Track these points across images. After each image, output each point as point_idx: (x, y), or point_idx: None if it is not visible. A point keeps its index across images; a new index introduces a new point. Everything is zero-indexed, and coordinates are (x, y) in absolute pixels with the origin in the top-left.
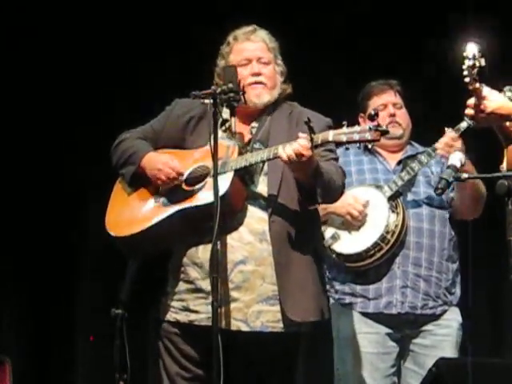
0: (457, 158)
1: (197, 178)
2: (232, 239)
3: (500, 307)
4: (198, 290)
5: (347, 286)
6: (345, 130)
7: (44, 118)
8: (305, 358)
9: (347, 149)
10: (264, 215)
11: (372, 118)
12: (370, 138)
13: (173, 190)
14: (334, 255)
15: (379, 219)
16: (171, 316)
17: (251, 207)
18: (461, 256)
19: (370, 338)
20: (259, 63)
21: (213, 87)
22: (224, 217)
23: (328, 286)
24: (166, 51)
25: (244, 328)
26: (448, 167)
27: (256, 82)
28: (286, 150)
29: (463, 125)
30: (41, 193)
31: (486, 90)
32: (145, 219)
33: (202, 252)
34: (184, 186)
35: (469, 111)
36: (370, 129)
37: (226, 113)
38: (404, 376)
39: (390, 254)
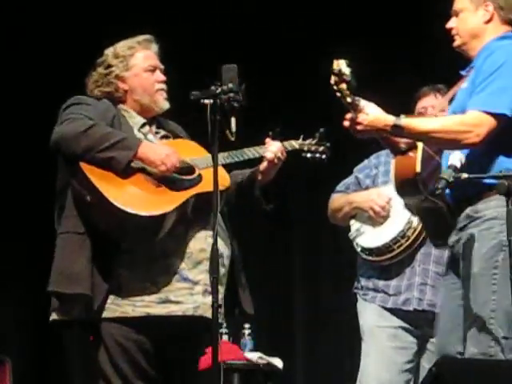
0: (457, 157)
1: (184, 169)
2: (218, 232)
3: None
4: (184, 280)
5: (371, 281)
6: (305, 141)
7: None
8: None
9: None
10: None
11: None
12: (318, 154)
13: (167, 178)
14: (358, 249)
15: (401, 216)
16: (136, 311)
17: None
18: None
19: (388, 332)
20: (161, 72)
21: (212, 87)
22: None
23: (356, 283)
24: None
25: (220, 320)
26: (448, 167)
27: (163, 89)
28: (272, 150)
29: None
30: (42, 193)
31: (363, 103)
32: (166, 202)
33: (192, 241)
34: (179, 176)
35: (346, 123)
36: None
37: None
38: (421, 374)
39: (412, 251)
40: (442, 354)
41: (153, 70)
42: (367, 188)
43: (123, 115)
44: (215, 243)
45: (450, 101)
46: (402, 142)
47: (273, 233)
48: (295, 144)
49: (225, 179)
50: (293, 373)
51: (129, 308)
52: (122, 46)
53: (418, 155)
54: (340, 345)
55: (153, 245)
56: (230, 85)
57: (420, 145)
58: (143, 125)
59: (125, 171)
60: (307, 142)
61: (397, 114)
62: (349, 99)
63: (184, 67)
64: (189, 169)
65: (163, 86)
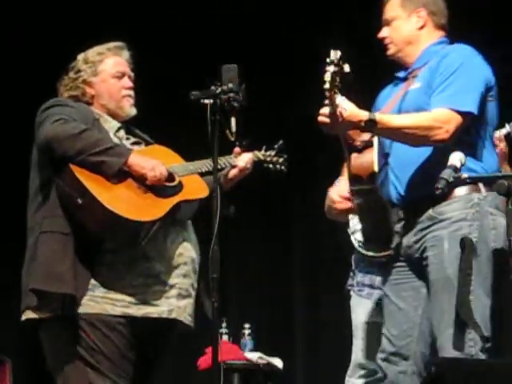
0: (457, 157)
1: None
2: (189, 237)
3: (500, 307)
4: (161, 283)
5: (368, 277)
6: (265, 153)
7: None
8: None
9: None
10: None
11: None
12: (278, 166)
13: (154, 185)
14: (356, 244)
15: None
16: (114, 310)
17: None
18: None
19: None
20: (130, 79)
21: (212, 87)
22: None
23: (350, 280)
24: None
25: (191, 323)
26: (448, 167)
27: (129, 96)
28: (244, 160)
29: (503, 131)
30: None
31: (339, 98)
32: (154, 208)
33: (170, 246)
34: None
35: (323, 119)
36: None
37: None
38: None
39: None
40: (398, 352)
41: (120, 76)
42: None
43: (98, 119)
44: (215, 244)
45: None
46: (359, 140)
47: (273, 232)
48: (260, 155)
49: (204, 188)
50: (293, 373)
51: (108, 306)
52: (92, 52)
53: (374, 154)
54: (340, 345)
55: (135, 247)
56: (230, 85)
57: (375, 144)
58: (118, 129)
59: (115, 176)
60: (268, 153)
61: (369, 110)
62: (333, 92)
63: (184, 67)
64: (169, 176)
65: (130, 92)
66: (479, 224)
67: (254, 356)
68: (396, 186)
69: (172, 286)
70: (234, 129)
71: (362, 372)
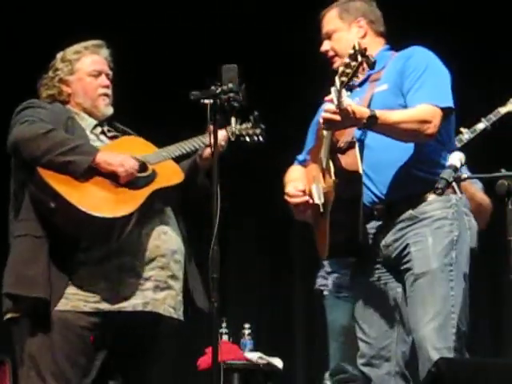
0: (457, 157)
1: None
2: (169, 229)
3: (500, 307)
4: (136, 277)
5: (345, 279)
6: (237, 126)
7: None
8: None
9: None
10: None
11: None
12: (251, 137)
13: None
14: None
15: None
16: (88, 306)
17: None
18: None
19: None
20: (107, 78)
21: (212, 87)
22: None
23: (322, 280)
24: None
25: (174, 315)
26: (448, 167)
27: (105, 94)
28: (219, 138)
29: (480, 126)
30: None
31: (345, 93)
32: (128, 201)
33: (145, 239)
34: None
35: (329, 116)
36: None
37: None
38: None
39: None
40: (379, 355)
41: (97, 74)
42: None
43: (73, 117)
44: (215, 244)
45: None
46: (342, 141)
47: (272, 232)
48: (236, 130)
49: (178, 174)
50: (293, 373)
51: (80, 303)
52: (69, 50)
53: (357, 155)
54: None
55: (111, 243)
56: (230, 85)
57: (356, 145)
58: (95, 126)
59: (83, 175)
60: (244, 126)
61: None
62: (344, 86)
63: (184, 67)
64: (141, 166)
65: (106, 90)
66: (458, 223)
67: (254, 356)
68: (369, 187)
69: (147, 279)
70: (234, 129)
71: (343, 376)
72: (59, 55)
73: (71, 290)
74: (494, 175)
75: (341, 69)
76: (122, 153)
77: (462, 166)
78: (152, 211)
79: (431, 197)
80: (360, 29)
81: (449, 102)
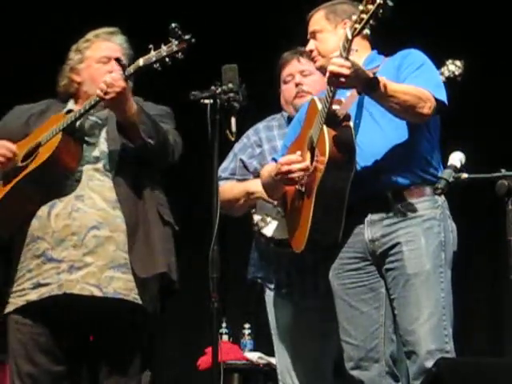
0: (457, 157)
1: (29, 154)
2: (85, 205)
3: (500, 307)
4: (49, 261)
5: (284, 275)
6: (152, 52)
7: None
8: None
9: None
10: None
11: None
12: (176, 48)
13: (11, 171)
14: (263, 239)
15: None
16: (21, 300)
17: (99, 174)
18: (460, 256)
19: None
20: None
21: (212, 87)
22: (58, 177)
23: (254, 269)
24: None
25: (97, 293)
26: (448, 167)
27: (111, 72)
28: (100, 87)
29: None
30: None
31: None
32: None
33: (54, 220)
34: (19, 164)
35: (339, 70)
36: (176, 40)
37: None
38: None
39: None
40: (368, 356)
41: (106, 61)
42: (256, 171)
43: (44, 110)
44: (215, 244)
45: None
46: (339, 112)
47: None
48: (140, 62)
49: (48, 149)
50: None
51: (17, 299)
52: (82, 40)
53: (352, 129)
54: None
55: (23, 233)
56: (230, 85)
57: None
58: (68, 112)
59: None
60: (157, 51)
61: None
62: (360, 32)
63: (184, 67)
64: (33, 150)
65: (112, 68)
66: (444, 225)
67: (254, 356)
68: (357, 178)
69: (61, 261)
70: (234, 129)
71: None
72: (74, 46)
73: (13, 288)
74: (494, 175)
75: (354, 17)
76: (41, 134)
77: (462, 165)
78: (63, 189)
79: (419, 194)
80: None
81: (444, 97)
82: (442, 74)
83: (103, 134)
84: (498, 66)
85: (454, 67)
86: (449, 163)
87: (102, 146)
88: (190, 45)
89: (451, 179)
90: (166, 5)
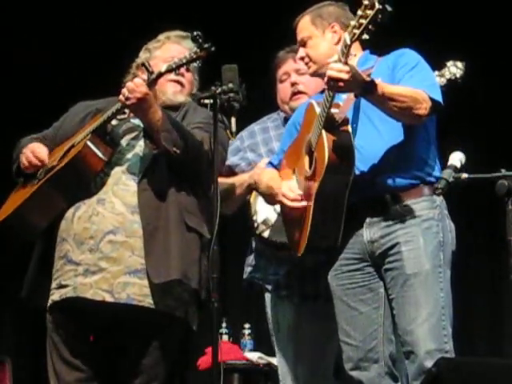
0: (457, 157)
1: (65, 154)
2: (105, 209)
3: (500, 307)
4: (69, 262)
5: (283, 276)
6: (175, 59)
7: None
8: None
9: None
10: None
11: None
12: (195, 56)
13: (45, 171)
14: (263, 242)
15: None
16: (50, 300)
17: (126, 178)
18: (460, 256)
19: None
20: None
21: (213, 87)
22: (84, 179)
23: (250, 268)
24: None
25: (108, 298)
26: (448, 167)
27: (177, 81)
28: (122, 92)
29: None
30: None
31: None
32: (17, 201)
33: (76, 222)
34: (54, 164)
35: (337, 74)
36: (198, 48)
37: None
38: None
39: None
40: (367, 357)
41: None
42: (244, 172)
43: (99, 110)
44: (215, 244)
45: None
46: (338, 116)
47: None
48: (162, 68)
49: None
50: None
51: (49, 298)
52: (153, 41)
53: (350, 132)
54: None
55: (56, 233)
56: (230, 85)
57: (350, 123)
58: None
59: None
60: (184, 58)
61: None
62: (359, 37)
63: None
64: (68, 150)
65: (178, 77)
66: (442, 225)
67: (254, 356)
68: (356, 180)
69: (78, 264)
70: (234, 129)
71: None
72: (144, 46)
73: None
74: (494, 175)
75: (352, 23)
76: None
77: (462, 165)
78: (89, 192)
79: (417, 194)
80: (334, 34)
81: (439, 97)
82: (443, 75)
83: (141, 137)
84: (497, 66)
85: (455, 69)
86: (449, 163)
87: (136, 149)
88: (210, 53)
89: (451, 179)
90: (166, 5)
